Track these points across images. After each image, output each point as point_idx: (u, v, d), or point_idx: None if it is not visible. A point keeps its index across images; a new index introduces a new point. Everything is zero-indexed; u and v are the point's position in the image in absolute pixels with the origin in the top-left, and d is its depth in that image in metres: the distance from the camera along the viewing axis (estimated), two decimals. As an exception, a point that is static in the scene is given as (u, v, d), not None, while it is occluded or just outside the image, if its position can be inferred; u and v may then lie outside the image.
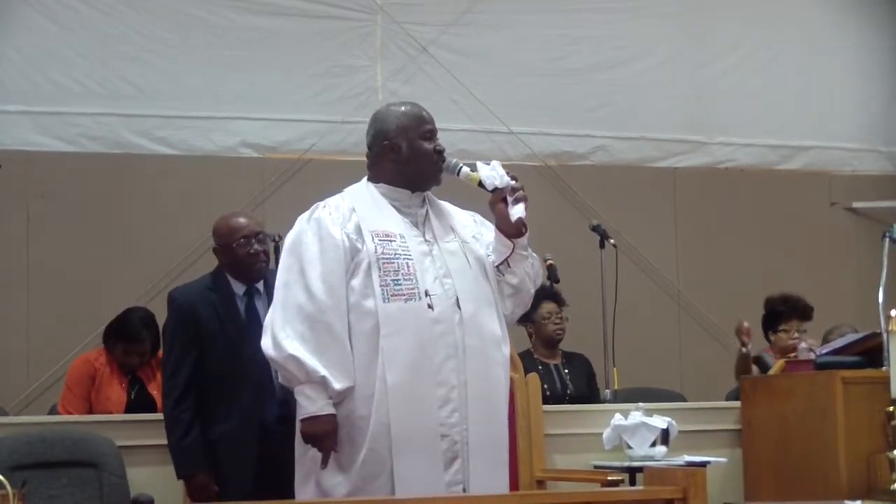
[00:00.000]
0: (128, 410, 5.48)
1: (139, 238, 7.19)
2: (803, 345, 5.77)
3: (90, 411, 5.48)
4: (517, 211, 3.90)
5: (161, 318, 5.70)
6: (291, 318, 3.72)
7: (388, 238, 3.82)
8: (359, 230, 3.82)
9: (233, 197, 7.25)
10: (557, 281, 6.09)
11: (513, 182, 3.92)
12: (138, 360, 5.62)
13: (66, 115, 7.21)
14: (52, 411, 5.72)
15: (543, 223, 7.71)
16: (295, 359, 3.69)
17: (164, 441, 4.84)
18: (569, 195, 7.90)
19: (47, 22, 7.22)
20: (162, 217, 7.24)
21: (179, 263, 7.12)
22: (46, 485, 4.71)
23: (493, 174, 3.93)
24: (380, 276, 3.76)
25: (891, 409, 4.37)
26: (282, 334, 3.71)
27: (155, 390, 5.60)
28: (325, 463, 3.72)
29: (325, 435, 3.70)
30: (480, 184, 3.94)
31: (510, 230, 3.91)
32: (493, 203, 3.94)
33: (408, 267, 3.80)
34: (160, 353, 5.65)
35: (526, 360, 5.89)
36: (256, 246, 4.61)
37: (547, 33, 8.04)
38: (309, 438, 3.72)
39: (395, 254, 3.80)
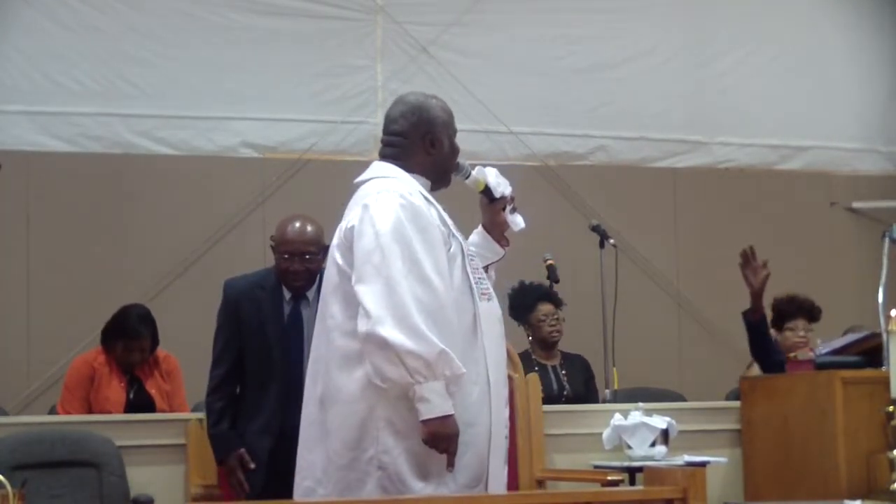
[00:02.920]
0: (127, 410, 5.48)
1: (139, 238, 7.19)
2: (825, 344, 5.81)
3: (89, 411, 5.47)
4: (520, 221, 3.97)
5: (160, 317, 5.73)
6: (419, 311, 3.48)
7: (459, 233, 3.77)
8: (444, 221, 3.68)
9: (233, 197, 7.26)
10: (557, 281, 6.09)
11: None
12: (140, 357, 5.61)
13: (66, 115, 7.21)
14: (52, 411, 5.72)
15: (543, 223, 7.73)
16: (447, 354, 3.46)
17: (164, 441, 4.86)
18: (569, 195, 7.90)
19: (47, 22, 7.22)
20: (162, 217, 7.24)
21: (180, 263, 7.13)
22: (46, 485, 4.71)
23: (499, 181, 3.96)
24: (471, 272, 3.70)
25: (891, 409, 4.37)
26: (423, 327, 3.46)
27: (153, 389, 5.60)
28: (452, 465, 3.53)
29: (457, 435, 3.51)
30: (486, 189, 3.94)
31: (501, 238, 3.97)
32: (497, 211, 3.95)
33: (478, 264, 3.79)
34: (159, 351, 5.66)
35: (524, 361, 5.89)
36: (297, 265, 4.50)
37: (547, 33, 8.05)
38: (439, 439, 3.49)
39: (470, 251, 3.78)
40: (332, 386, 3.63)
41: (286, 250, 4.52)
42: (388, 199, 3.62)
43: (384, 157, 3.81)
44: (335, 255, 3.69)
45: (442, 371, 3.46)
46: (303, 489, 3.70)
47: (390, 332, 3.45)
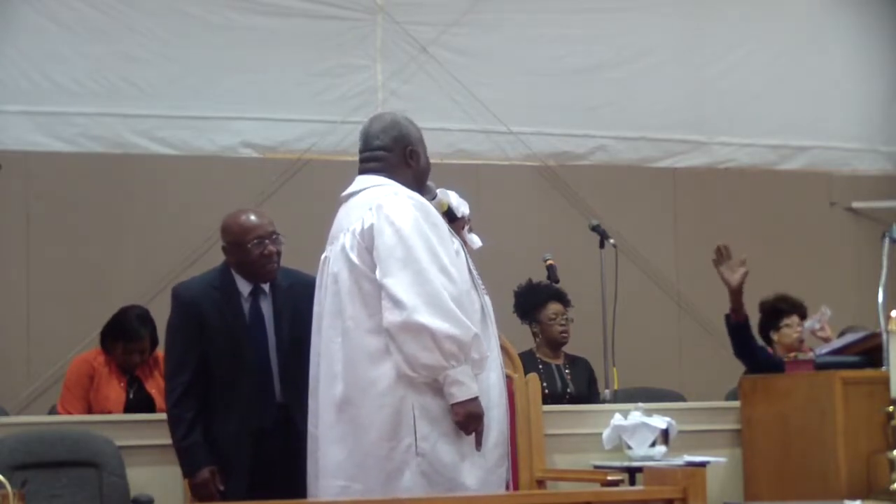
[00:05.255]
0: (127, 410, 5.48)
1: (139, 238, 7.19)
2: (812, 320, 5.81)
3: (89, 411, 5.47)
4: (476, 240, 4.17)
5: (160, 317, 5.71)
6: (449, 298, 3.65)
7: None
8: (444, 223, 3.87)
9: (233, 197, 7.23)
10: (557, 281, 6.10)
11: None
12: (139, 359, 5.61)
13: (66, 115, 7.21)
14: (52, 411, 5.72)
15: (543, 223, 7.79)
16: (479, 336, 3.67)
17: (164, 441, 4.84)
18: (569, 195, 7.90)
19: (47, 22, 7.22)
20: (162, 217, 7.24)
21: (180, 263, 7.12)
22: (46, 485, 4.71)
23: (459, 203, 4.16)
24: (472, 268, 3.86)
25: (891, 409, 4.38)
26: (458, 312, 3.63)
27: (153, 389, 5.60)
28: (480, 444, 3.69)
29: (483, 415, 3.69)
30: (448, 210, 4.12)
31: None
32: (457, 230, 4.09)
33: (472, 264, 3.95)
34: (158, 351, 5.65)
35: (527, 359, 5.90)
36: (270, 247, 4.51)
37: (547, 33, 8.04)
38: (471, 420, 3.65)
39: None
40: (359, 383, 3.74)
41: (254, 236, 4.51)
42: (401, 199, 3.78)
43: (368, 171, 3.95)
44: (349, 256, 3.79)
45: (472, 354, 3.64)
46: (335, 489, 3.77)
47: (428, 318, 3.60)
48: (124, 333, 5.60)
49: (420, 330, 3.60)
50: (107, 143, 7.28)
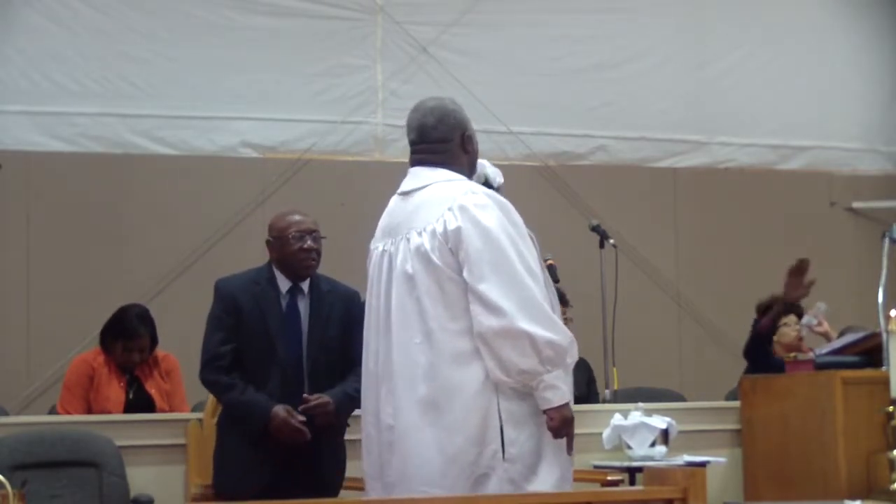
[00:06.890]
0: (126, 410, 5.47)
1: (139, 238, 7.19)
2: (809, 316, 5.83)
3: (89, 411, 5.47)
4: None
5: (160, 317, 5.72)
6: (543, 302, 3.62)
7: None
8: (520, 218, 3.80)
9: (233, 197, 7.26)
10: (557, 281, 6.07)
11: None
12: (139, 357, 5.60)
13: (66, 115, 7.22)
14: (52, 411, 5.71)
15: (543, 223, 7.73)
16: (574, 343, 3.64)
17: (164, 441, 4.84)
18: (569, 195, 7.90)
19: (47, 22, 7.22)
20: (162, 217, 7.24)
21: (180, 263, 7.13)
22: (46, 485, 4.71)
23: (495, 172, 4.09)
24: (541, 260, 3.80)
25: (890, 409, 4.38)
26: (555, 317, 3.62)
27: (153, 389, 5.59)
28: (572, 448, 3.67)
29: (574, 418, 3.66)
30: (485, 181, 4.02)
31: None
32: None
33: None
34: (158, 351, 5.65)
35: (526, 361, 5.88)
36: (310, 242, 4.56)
37: (547, 33, 8.05)
38: (565, 424, 3.61)
39: None
40: (446, 385, 3.63)
41: (297, 230, 4.58)
42: (481, 198, 3.70)
43: (425, 163, 3.84)
44: (430, 257, 3.66)
45: (566, 359, 3.60)
46: (418, 494, 3.65)
47: (528, 324, 3.54)
48: (124, 332, 5.59)
49: (520, 336, 3.53)
50: (107, 143, 7.28)
